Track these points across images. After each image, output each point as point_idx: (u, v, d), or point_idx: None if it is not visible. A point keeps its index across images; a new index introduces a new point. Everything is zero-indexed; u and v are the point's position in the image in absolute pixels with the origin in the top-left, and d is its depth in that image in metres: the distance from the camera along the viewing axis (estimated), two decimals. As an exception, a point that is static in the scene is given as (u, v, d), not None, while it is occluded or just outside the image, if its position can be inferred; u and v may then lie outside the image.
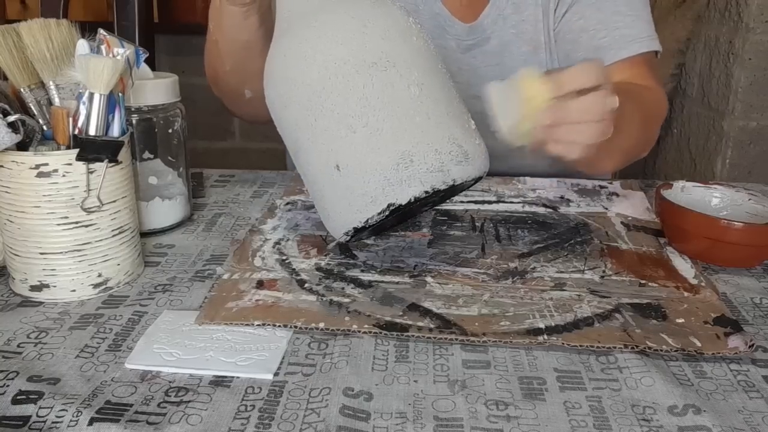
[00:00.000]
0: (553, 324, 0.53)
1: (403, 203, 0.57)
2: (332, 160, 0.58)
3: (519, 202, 0.79)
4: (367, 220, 0.58)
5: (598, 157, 0.72)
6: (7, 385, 0.46)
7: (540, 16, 0.90)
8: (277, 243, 0.67)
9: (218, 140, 2.26)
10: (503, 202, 0.80)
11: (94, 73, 0.54)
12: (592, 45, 0.86)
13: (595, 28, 0.86)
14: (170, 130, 0.71)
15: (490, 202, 0.79)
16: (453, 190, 0.61)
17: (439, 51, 0.63)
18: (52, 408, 0.43)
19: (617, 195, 0.82)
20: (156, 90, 0.68)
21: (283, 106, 0.59)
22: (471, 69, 0.92)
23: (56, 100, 0.57)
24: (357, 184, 0.57)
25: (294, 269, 0.62)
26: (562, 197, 0.81)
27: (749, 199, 0.69)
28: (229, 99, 0.88)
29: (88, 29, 0.58)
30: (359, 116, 0.56)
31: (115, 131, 0.56)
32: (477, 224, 0.73)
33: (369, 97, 0.56)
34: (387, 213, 0.57)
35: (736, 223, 0.62)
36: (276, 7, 0.62)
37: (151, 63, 0.82)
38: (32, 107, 0.57)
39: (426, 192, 0.57)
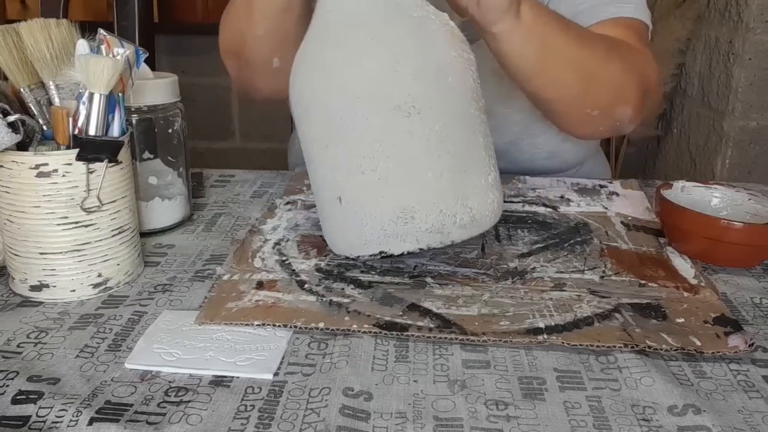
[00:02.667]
0: (552, 324, 0.53)
1: (395, 254, 0.58)
2: (336, 191, 0.57)
3: (519, 202, 0.79)
4: (358, 257, 0.59)
5: (542, 71, 0.70)
6: (7, 385, 0.46)
7: None
8: (277, 243, 0.67)
9: (218, 140, 2.26)
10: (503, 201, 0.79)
11: (93, 73, 0.54)
12: (570, 12, 0.79)
13: None
14: (170, 130, 0.71)
15: (490, 202, 0.79)
16: None
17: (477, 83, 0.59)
18: (51, 408, 0.43)
19: (617, 195, 0.82)
20: (156, 90, 0.68)
21: (304, 113, 0.58)
22: None
23: (56, 100, 0.57)
24: (354, 223, 0.57)
25: (294, 270, 0.62)
26: (561, 197, 0.81)
27: (749, 199, 0.69)
28: (251, 69, 0.80)
29: (88, 29, 0.58)
30: (370, 159, 0.55)
31: (115, 131, 0.56)
32: (477, 224, 0.73)
33: (383, 142, 0.54)
34: (378, 257, 0.58)
35: (736, 223, 0.62)
36: None
37: (151, 63, 0.82)
38: (32, 107, 0.57)
39: (420, 249, 0.57)
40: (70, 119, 0.55)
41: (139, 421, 0.43)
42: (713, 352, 0.50)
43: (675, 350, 0.50)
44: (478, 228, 0.59)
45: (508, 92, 0.77)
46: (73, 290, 0.57)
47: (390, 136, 0.54)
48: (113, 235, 0.58)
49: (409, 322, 0.53)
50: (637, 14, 0.82)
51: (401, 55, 0.54)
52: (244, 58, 0.79)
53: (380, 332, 0.52)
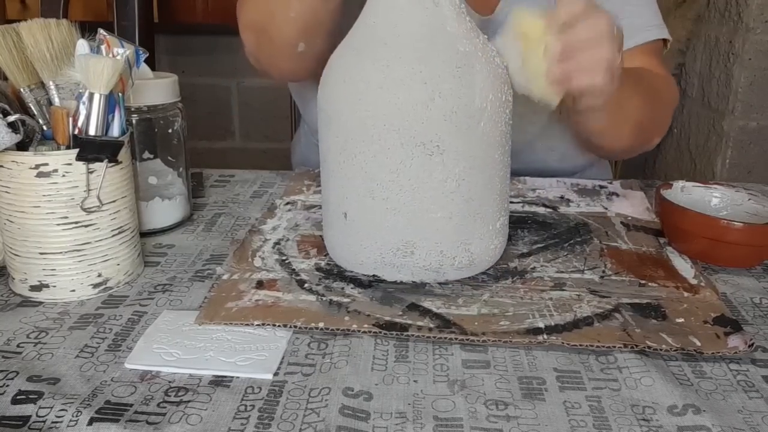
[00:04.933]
0: (552, 324, 0.53)
1: (388, 281, 0.58)
2: (343, 206, 0.57)
3: (519, 202, 0.79)
4: (353, 271, 0.60)
5: (609, 127, 0.74)
6: (7, 385, 0.46)
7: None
8: (277, 243, 0.67)
9: (218, 140, 2.26)
10: (503, 202, 0.79)
11: (93, 73, 0.54)
12: None
13: None
14: (170, 130, 0.71)
15: (489, 202, 0.79)
16: None
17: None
18: (51, 408, 0.43)
19: (617, 195, 0.82)
20: (156, 90, 0.68)
21: (327, 120, 0.57)
22: None
23: (56, 100, 0.57)
24: (354, 242, 0.58)
25: (294, 269, 0.62)
26: (562, 197, 0.81)
27: (749, 199, 0.69)
28: (274, 48, 0.78)
29: (88, 29, 0.58)
30: (383, 187, 0.54)
31: (115, 131, 0.56)
32: (477, 224, 0.73)
33: (400, 175, 0.54)
34: (371, 278, 0.59)
35: (735, 223, 0.62)
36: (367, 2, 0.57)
37: (151, 63, 0.82)
38: (32, 107, 0.57)
39: (413, 282, 0.58)
40: (70, 119, 0.55)
41: (139, 421, 0.43)
42: (713, 353, 0.50)
43: (675, 350, 0.50)
44: (474, 270, 0.60)
45: None
46: (73, 290, 0.57)
47: (408, 171, 0.54)
48: (113, 235, 0.58)
49: (409, 321, 0.53)
50: (663, 34, 0.87)
51: (438, 93, 0.52)
52: (268, 36, 0.77)
53: (380, 332, 0.52)
